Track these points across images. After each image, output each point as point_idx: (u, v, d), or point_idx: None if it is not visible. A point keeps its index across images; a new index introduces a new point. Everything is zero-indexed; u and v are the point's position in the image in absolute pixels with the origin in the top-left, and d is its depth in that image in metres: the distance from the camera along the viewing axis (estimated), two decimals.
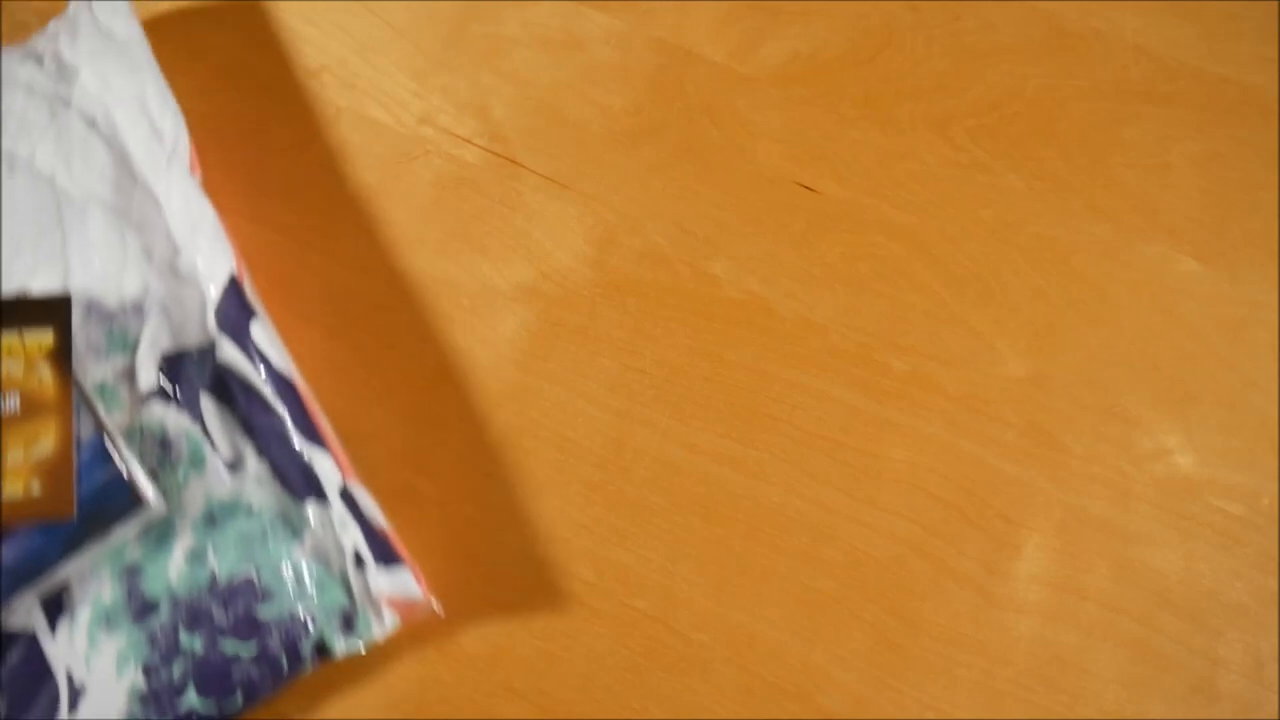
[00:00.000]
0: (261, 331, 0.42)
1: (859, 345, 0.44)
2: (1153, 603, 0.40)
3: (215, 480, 0.42)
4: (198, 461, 0.42)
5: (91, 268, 0.45)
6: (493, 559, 0.43)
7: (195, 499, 0.41)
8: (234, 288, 0.43)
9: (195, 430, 0.42)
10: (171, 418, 0.43)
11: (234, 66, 0.52)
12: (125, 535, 0.40)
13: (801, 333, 0.45)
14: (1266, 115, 0.48)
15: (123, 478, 0.40)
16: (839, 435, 0.43)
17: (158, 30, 0.51)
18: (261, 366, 0.42)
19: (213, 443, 0.42)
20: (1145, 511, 0.41)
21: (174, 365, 0.43)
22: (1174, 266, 0.45)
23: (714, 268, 0.46)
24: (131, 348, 0.43)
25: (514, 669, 0.41)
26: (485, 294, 0.47)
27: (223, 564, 0.40)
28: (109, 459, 0.40)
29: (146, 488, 0.40)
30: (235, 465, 0.42)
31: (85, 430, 0.41)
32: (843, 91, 0.49)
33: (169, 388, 0.43)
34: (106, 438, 0.41)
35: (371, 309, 0.47)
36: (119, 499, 0.40)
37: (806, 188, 0.47)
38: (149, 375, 0.43)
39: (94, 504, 0.40)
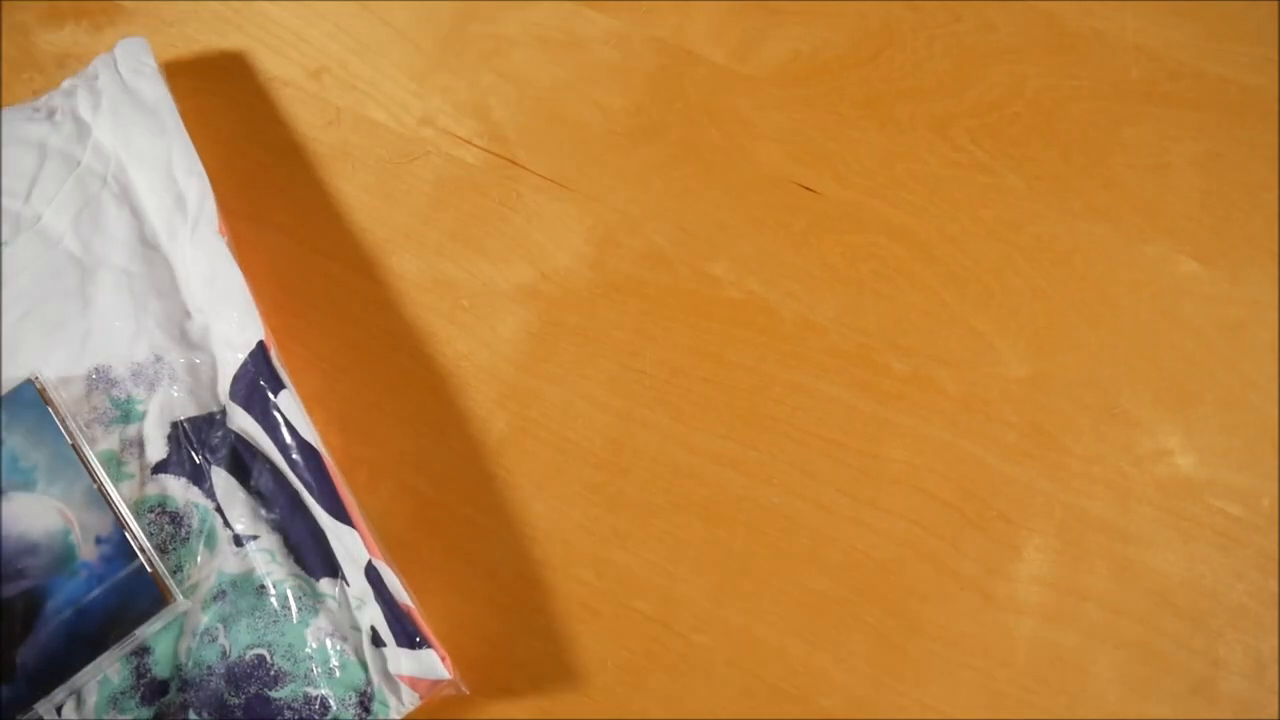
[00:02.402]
0: (290, 402, 0.41)
1: (859, 346, 0.44)
2: (1153, 604, 0.40)
3: (226, 555, 0.41)
4: (208, 536, 0.41)
5: (100, 333, 0.44)
6: (492, 560, 0.42)
7: (206, 575, 0.40)
8: (262, 356, 0.42)
9: (205, 503, 0.41)
10: (181, 490, 0.42)
11: (233, 67, 0.52)
12: (149, 632, 0.39)
13: (802, 333, 0.45)
14: (1267, 115, 0.48)
15: (146, 573, 0.39)
16: (839, 436, 0.43)
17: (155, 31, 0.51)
18: (287, 438, 0.41)
19: (224, 516, 0.41)
20: (1146, 512, 0.41)
21: (184, 435, 0.42)
22: (1174, 267, 0.45)
23: (714, 268, 0.46)
24: (140, 417, 0.43)
25: (514, 670, 0.41)
26: (485, 294, 0.47)
27: (234, 643, 0.39)
28: (130, 554, 0.39)
29: (172, 585, 0.39)
30: (247, 540, 0.41)
31: (104, 524, 0.40)
32: (843, 91, 0.49)
33: (178, 459, 0.42)
34: (127, 532, 0.40)
35: (372, 309, 0.47)
36: (144, 597, 0.39)
37: (807, 188, 0.47)
38: (157, 446, 0.42)
39: (117, 603, 0.39)
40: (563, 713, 0.40)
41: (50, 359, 0.43)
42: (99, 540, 0.39)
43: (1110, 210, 0.46)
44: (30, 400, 0.42)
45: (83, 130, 0.47)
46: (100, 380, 0.43)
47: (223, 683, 0.39)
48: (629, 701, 0.40)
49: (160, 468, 0.42)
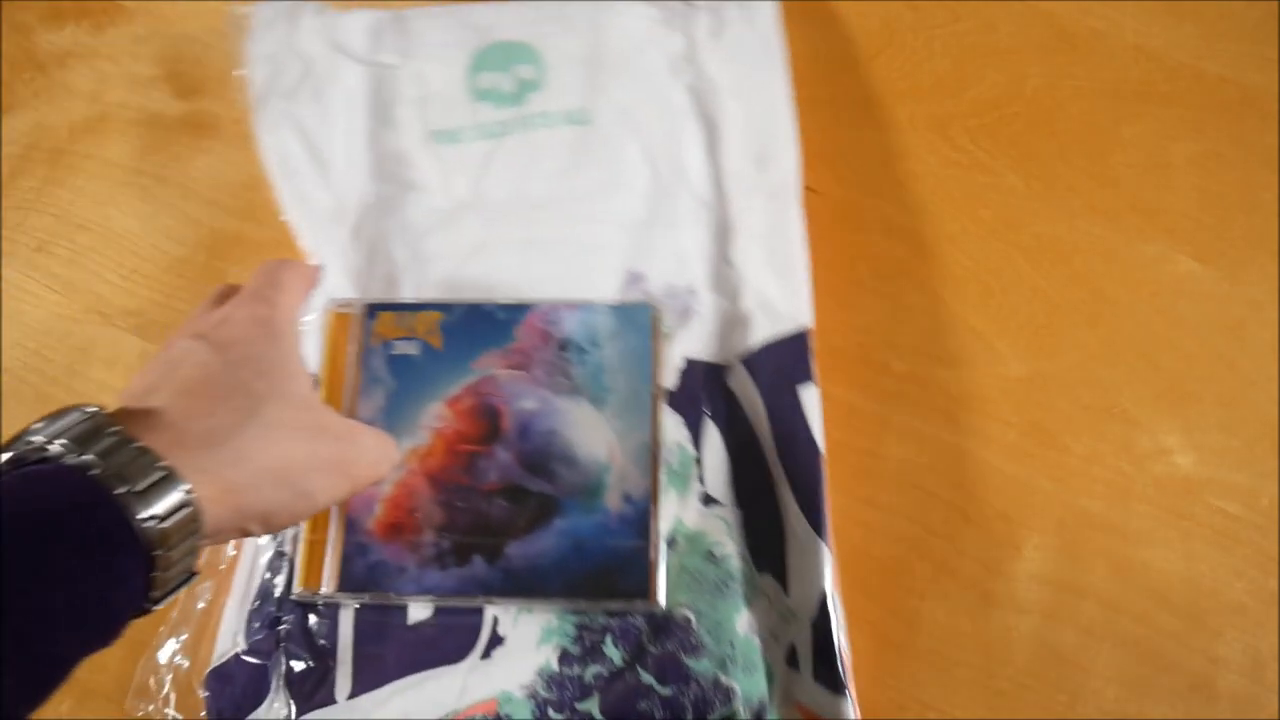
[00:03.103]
0: (813, 399, 0.40)
1: (859, 345, 0.44)
2: (1152, 602, 0.40)
3: (690, 507, 0.40)
4: (681, 479, 0.40)
5: (650, 242, 0.44)
6: None
7: (667, 516, 0.39)
8: (804, 343, 0.42)
9: (691, 450, 0.41)
10: (674, 426, 0.41)
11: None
12: (616, 608, 0.39)
13: None
14: (1266, 115, 0.48)
15: (646, 561, 0.38)
16: (839, 435, 0.43)
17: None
18: (797, 430, 0.40)
19: (701, 468, 0.41)
20: (1145, 511, 0.41)
21: (695, 375, 0.42)
22: (1173, 266, 0.45)
23: None
24: (664, 339, 0.42)
25: None
26: None
27: (669, 594, 0.39)
28: (645, 533, 0.39)
29: (661, 588, 0.38)
30: (712, 501, 0.40)
31: (639, 487, 0.39)
32: (843, 91, 0.49)
33: (682, 396, 0.42)
34: (653, 512, 0.39)
35: None
36: (632, 580, 0.38)
37: (807, 188, 0.47)
38: (668, 375, 0.42)
39: (608, 567, 0.38)
40: None
41: (596, 243, 0.44)
42: (627, 498, 0.39)
43: (1109, 209, 0.46)
44: (641, 325, 0.42)
45: (692, 48, 0.48)
46: (634, 286, 0.43)
47: (646, 625, 0.38)
48: None
49: (662, 396, 0.41)
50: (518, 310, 0.42)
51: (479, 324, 0.42)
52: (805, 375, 0.41)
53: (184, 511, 0.27)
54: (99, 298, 0.47)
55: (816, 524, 0.38)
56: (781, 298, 0.43)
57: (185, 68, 0.52)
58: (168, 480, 0.27)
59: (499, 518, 0.39)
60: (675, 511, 0.40)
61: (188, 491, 0.27)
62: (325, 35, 0.48)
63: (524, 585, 0.38)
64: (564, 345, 0.41)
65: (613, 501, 0.39)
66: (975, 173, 0.47)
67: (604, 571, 0.38)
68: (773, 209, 0.44)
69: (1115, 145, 0.48)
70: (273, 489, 0.30)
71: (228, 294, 0.36)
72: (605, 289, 0.44)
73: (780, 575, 0.39)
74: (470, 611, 0.39)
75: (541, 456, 0.40)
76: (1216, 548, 0.41)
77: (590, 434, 0.40)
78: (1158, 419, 0.43)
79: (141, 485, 0.26)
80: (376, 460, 0.36)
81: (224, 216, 0.48)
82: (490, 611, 0.39)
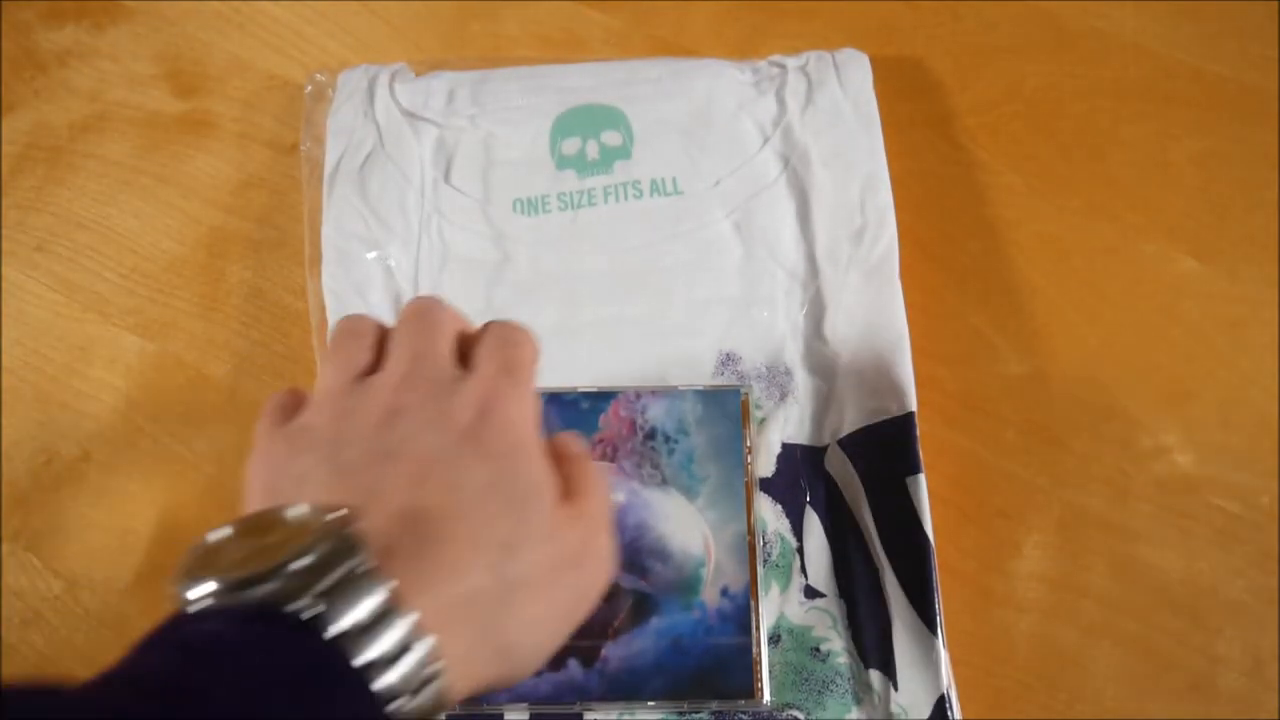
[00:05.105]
0: (920, 489, 0.39)
1: None
2: (1152, 601, 0.40)
3: (793, 601, 0.39)
4: (783, 572, 0.39)
5: (743, 322, 0.42)
6: None
7: (769, 612, 0.38)
8: (908, 427, 0.40)
9: (791, 539, 0.39)
10: (773, 516, 0.40)
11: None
12: (719, 708, 0.37)
13: None
14: (1266, 114, 0.48)
15: (749, 656, 0.37)
16: None
17: None
18: (902, 521, 0.38)
19: (803, 559, 0.39)
20: (1144, 509, 0.41)
21: (795, 461, 0.41)
22: (1173, 265, 0.45)
23: None
24: (758, 423, 0.40)
25: None
26: None
27: (778, 691, 0.37)
28: (746, 627, 0.37)
29: (767, 684, 0.37)
30: (815, 594, 0.39)
31: (737, 579, 0.38)
32: None
33: (781, 483, 0.40)
34: (754, 604, 0.38)
35: None
36: (735, 677, 0.37)
37: None
38: (765, 461, 0.40)
39: (709, 664, 0.37)
40: None
41: (687, 322, 0.42)
42: (725, 592, 0.38)
43: (1109, 208, 0.46)
44: (731, 410, 0.40)
45: (783, 113, 0.46)
46: (728, 368, 0.42)
47: None
48: None
49: (762, 485, 0.40)
50: (601, 398, 0.40)
51: (561, 413, 0.40)
52: (914, 466, 0.39)
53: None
54: (99, 297, 0.47)
55: (929, 619, 0.37)
56: (880, 378, 0.41)
57: (185, 67, 0.52)
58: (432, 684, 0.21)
59: (593, 617, 0.37)
60: (777, 606, 0.38)
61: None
62: (403, 101, 0.46)
63: (623, 688, 0.37)
64: (651, 434, 0.40)
65: (710, 597, 0.38)
66: (975, 171, 0.47)
67: (705, 671, 0.37)
68: (870, 286, 0.42)
69: (1115, 144, 0.48)
70: (498, 664, 0.23)
71: (373, 334, 0.27)
72: (698, 372, 0.42)
73: (889, 671, 0.37)
74: (568, 718, 0.37)
75: (633, 552, 0.38)
76: (1216, 546, 0.40)
77: (683, 527, 0.39)
78: (1157, 417, 0.43)
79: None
80: (601, 583, 0.27)
81: (224, 215, 0.48)
82: (589, 717, 0.37)
